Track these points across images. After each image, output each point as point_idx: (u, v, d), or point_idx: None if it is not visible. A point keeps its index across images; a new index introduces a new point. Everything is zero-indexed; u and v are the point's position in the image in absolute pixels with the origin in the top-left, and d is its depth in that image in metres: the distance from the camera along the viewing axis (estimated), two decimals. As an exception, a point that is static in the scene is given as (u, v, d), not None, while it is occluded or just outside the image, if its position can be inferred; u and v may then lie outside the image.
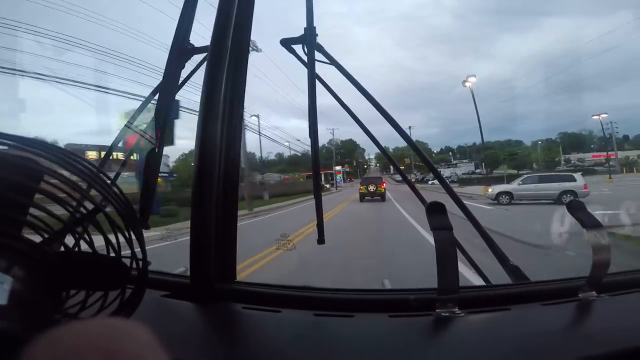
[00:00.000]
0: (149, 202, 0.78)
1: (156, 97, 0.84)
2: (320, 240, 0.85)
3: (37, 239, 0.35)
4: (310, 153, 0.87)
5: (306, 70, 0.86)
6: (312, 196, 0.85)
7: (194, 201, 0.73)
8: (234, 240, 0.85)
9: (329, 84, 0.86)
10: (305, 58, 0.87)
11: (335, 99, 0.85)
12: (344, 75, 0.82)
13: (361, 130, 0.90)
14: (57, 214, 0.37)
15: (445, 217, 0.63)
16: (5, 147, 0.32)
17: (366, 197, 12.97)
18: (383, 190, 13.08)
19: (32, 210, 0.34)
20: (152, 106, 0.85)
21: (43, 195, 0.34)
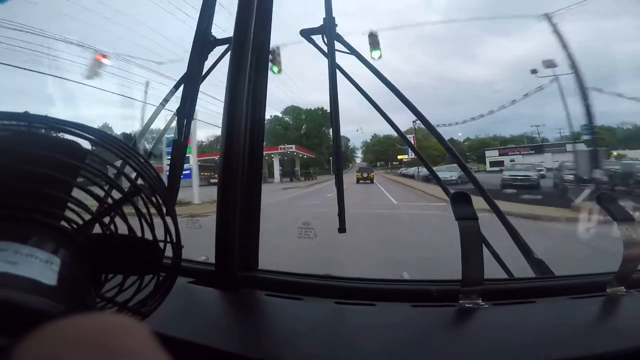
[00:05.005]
0: (175, 189, 0.80)
1: (181, 88, 0.86)
2: (342, 228, 0.85)
3: (77, 219, 0.35)
4: (331, 141, 0.86)
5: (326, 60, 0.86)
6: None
7: (220, 191, 0.75)
8: (257, 230, 0.86)
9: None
10: (325, 48, 0.87)
11: (355, 87, 0.85)
12: (364, 64, 0.82)
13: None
14: (96, 194, 0.36)
15: (470, 207, 0.62)
16: (43, 129, 0.32)
17: (360, 181, 17.90)
18: (372, 177, 18.65)
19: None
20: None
21: (85, 176, 0.34)
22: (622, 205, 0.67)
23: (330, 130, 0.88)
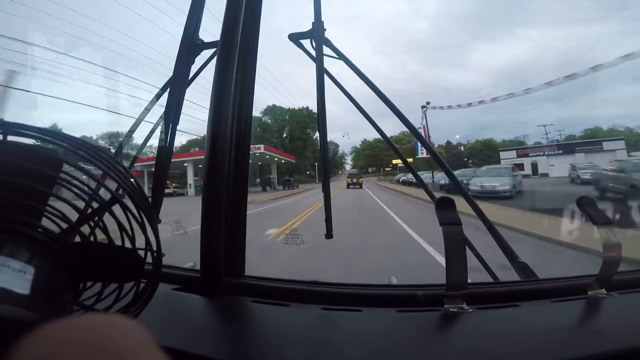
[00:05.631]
0: (160, 195, 0.79)
1: (166, 92, 0.84)
2: (329, 235, 0.85)
3: (54, 228, 0.35)
4: (317, 145, 0.87)
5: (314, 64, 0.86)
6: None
7: (205, 197, 0.74)
8: (243, 235, 0.85)
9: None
10: (313, 53, 0.87)
11: (343, 92, 0.85)
12: (352, 69, 0.82)
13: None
14: (73, 203, 0.37)
15: (454, 212, 0.63)
16: (23, 138, 0.32)
17: (350, 186, 19.96)
18: (361, 182, 20.76)
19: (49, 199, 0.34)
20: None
21: (62, 185, 0.34)
22: (601, 209, 0.69)
23: (317, 133, 0.88)
